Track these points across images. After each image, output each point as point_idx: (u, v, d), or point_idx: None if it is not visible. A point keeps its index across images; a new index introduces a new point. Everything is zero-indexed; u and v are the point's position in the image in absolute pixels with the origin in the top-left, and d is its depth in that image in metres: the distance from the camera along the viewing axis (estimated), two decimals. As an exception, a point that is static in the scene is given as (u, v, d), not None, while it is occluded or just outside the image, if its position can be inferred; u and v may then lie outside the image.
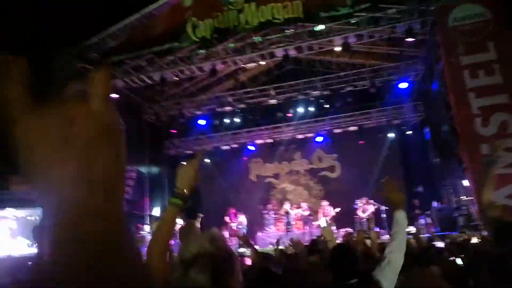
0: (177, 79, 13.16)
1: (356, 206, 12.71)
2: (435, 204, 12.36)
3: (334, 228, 12.36)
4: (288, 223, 13.14)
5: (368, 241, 5.07)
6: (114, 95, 12.46)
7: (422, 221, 12.25)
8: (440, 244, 6.43)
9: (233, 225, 13.45)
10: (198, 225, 13.54)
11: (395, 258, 2.18)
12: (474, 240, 6.89)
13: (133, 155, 14.01)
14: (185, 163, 1.69)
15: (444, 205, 12.30)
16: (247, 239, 4.68)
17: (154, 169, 15.28)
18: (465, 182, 10.49)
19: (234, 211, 13.72)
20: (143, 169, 14.46)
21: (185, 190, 1.64)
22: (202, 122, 15.18)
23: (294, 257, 4.50)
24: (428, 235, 10.76)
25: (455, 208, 11.56)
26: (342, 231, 12.92)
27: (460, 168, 10.58)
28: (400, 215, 2.29)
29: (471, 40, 9.24)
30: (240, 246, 12.40)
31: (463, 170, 10.20)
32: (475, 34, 9.25)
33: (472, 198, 9.76)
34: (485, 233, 7.86)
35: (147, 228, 12.94)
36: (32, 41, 10.64)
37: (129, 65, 12.44)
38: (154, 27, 11.89)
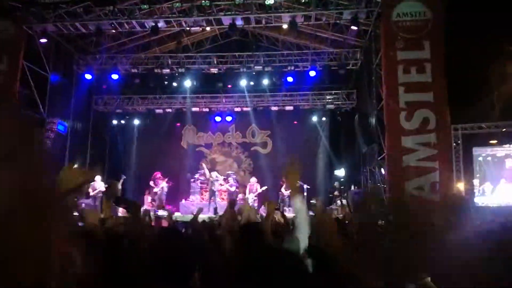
0: (115, 32, 12.40)
1: (281, 183, 13.10)
2: (353, 188, 13.14)
3: (255, 205, 12.74)
4: (212, 192, 13.16)
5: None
6: (42, 40, 11.65)
7: (338, 202, 13.00)
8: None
9: (155, 190, 13.25)
10: (119, 186, 13.19)
11: (300, 237, 2.45)
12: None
13: (57, 106, 13.12)
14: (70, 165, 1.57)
15: (360, 189, 13.10)
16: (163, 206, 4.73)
17: (79, 124, 14.44)
18: (383, 170, 11.23)
19: (159, 175, 13.48)
20: (67, 122, 13.60)
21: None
22: (137, 81, 14.47)
23: (211, 226, 4.54)
24: (342, 215, 11.49)
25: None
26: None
27: (380, 156, 11.28)
28: (295, 199, 2.59)
29: (409, 37, 9.74)
30: (159, 208, 12.35)
31: (382, 159, 10.89)
32: (414, 31, 9.76)
33: (385, 185, 10.50)
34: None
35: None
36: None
37: (63, 10, 11.47)
38: (96, -28, 11.02)
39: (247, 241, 2.48)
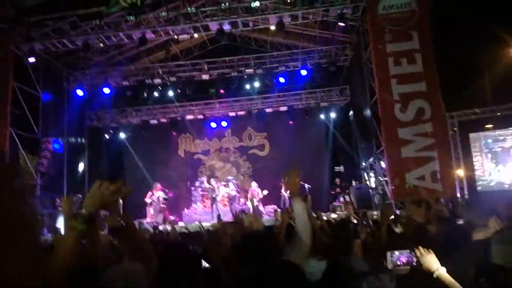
0: (103, 46, 12.34)
1: (281, 184, 13.05)
2: (354, 183, 13.13)
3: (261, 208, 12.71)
4: (213, 199, 13.11)
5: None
6: (31, 59, 11.55)
7: (341, 199, 12.99)
8: (354, 220, 6.86)
9: (148, 200, 13.10)
10: (120, 200, 13.05)
11: (301, 239, 2.46)
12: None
13: (51, 125, 13.04)
14: (99, 182, 1.55)
15: (362, 184, 13.10)
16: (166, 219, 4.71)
17: (74, 141, 14.35)
18: (382, 164, 11.23)
19: (159, 186, 13.40)
20: (62, 140, 13.51)
21: (90, 210, 1.52)
22: (128, 93, 14.39)
23: (216, 235, 4.51)
24: (346, 212, 11.48)
25: (372, 187, 12.38)
26: (268, 207, 13.34)
27: (378, 150, 11.27)
28: (295, 205, 2.58)
29: (397, 29, 9.77)
30: (164, 223, 12.27)
31: (381, 152, 10.89)
32: (401, 23, 9.79)
33: (387, 178, 10.50)
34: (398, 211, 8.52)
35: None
36: None
37: (49, 27, 11.41)
38: (79, -12, 10.97)
39: (248, 253, 2.44)
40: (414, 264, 2.07)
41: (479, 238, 2.27)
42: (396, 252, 2.11)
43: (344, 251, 2.77)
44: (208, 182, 13.70)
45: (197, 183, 14.57)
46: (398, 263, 2.10)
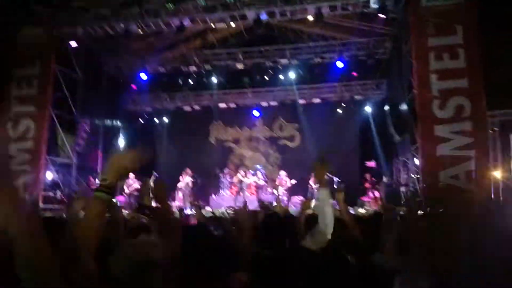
0: (142, 33, 12.59)
1: (310, 176, 12.98)
2: (385, 179, 12.91)
3: (285, 198, 12.69)
4: (241, 189, 13.22)
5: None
6: (73, 43, 11.94)
7: (370, 194, 12.80)
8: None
9: (179, 185, 13.36)
10: (152, 183, 13.38)
11: (322, 230, 2.48)
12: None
13: (89, 107, 13.48)
14: (120, 151, 1.58)
15: (393, 181, 12.87)
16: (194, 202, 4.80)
17: (110, 123, 14.80)
18: (416, 161, 10.97)
19: (189, 172, 13.62)
20: (99, 122, 13.95)
21: (111, 180, 1.54)
22: (164, 79, 14.66)
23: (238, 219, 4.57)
24: (376, 208, 11.32)
25: (403, 184, 12.14)
26: (295, 198, 13.32)
27: (413, 146, 11.02)
28: (322, 193, 2.60)
29: (441, 22, 9.41)
30: (191, 205, 12.50)
31: (416, 149, 10.64)
32: (446, 16, 9.42)
33: (419, 176, 10.26)
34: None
35: (97, 182, 12.62)
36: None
37: (91, 13, 11.72)
38: (123, -25, 11.20)
39: (265, 237, 2.46)
40: None
41: None
42: None
43: (375, 248, 2.75)
44: (234, 175, 13.79)
45: (226, 170, 14.72)
46: None
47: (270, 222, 2.66)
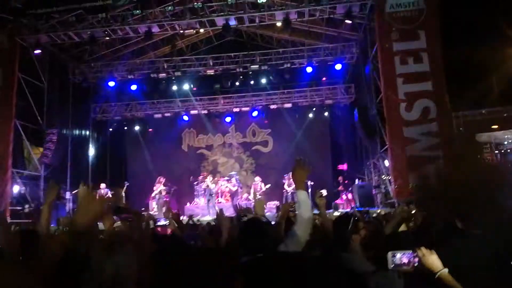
0: (108, 39, 12.35)
1: (284, 181, 13.04)
2: (357, 181, 13.11)
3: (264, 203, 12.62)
4: (210, 196, 13.01)
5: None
6: (36, 51, 11.57)
7: (343, 197, 12.96)
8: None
9: (153, 194, 13.13)
10: (123, 193, 13.13)
11: (300, 232, 2.44)
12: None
13: (55, 116, 13.07)
14: (86, 188, 1.52)
15: (365, 183, 13.08)
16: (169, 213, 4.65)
17: (78, 133, 14.41)
18: (386, 162, 11.20)
19: (162, 179, 13.41)
20: (66, 132, 13.54)
21: (81, 226, 1.47)
22: (133, 87, 14.41)
23: (216, 229, 4.52)
24: (348, 210, 11.47)
25: (375, 186, 12.36)
26: (271, 203, 13.33)
27: (383, 148, 11.24)
28: (300, 195, 2.57)
29: (404, 27, 9.71)
30: (165, 216, 12.25)
31: (385, 150, 10.86)
32: (409, 21, 9.73)
33: (390, 177, 10.46)
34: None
35: (68, 194, 12.25)
36: None
37: (55, 20, 11.43)
38: (86, -20, 10.97)
39: (246, 240, 2.42)
40: (416, 264, 2.05)
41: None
42: (398, 253, 2.09)
43: (343, 247, 2.74)
44: (203, 181, 13.55)
45: (200, 178, 14.56)
46: (399, 262, 2.08)
47: (251, 227, 2.61)
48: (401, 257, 2.05)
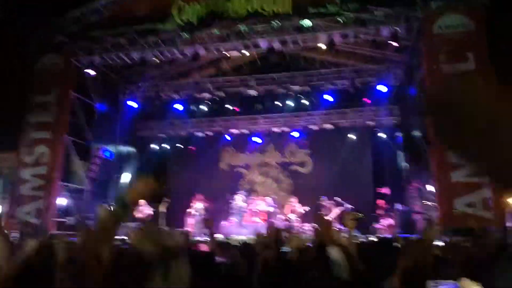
0: (158, 61, 12.90)
1: (321, 204, 12.84)
2: (399, 206, 12.74)
3: (297, 225, 12.50)
4: (238, 215, 13.04)
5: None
6: (90, 71, 12.26)
7: (383, 222, 12.61)
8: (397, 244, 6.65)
9: (189, 210, 13.29)
10: (163, 209, 13.42)
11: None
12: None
13: (103, 133, 13.69)
14: (146, 177, 1.66)
15: (407, 207, 12.69)
16: (210, 225, 4.67)
17: (124, 149, 14.98)
18: (430, 187, 10.87)
19: (201, 197, 13.60)
20: (112, 149, 14.12)
21: (128, 201, 1.61)
22: (179, 106, 14.91)
23: (248, 249, 4.49)
24: (390, 235, 11.14)
25: (417, 211, 11.97)
26: (307, 225, 13.17)
27: (427, 173, 10.94)
28: (332, 251, 2.49)
29: (453, 49, 9.53)
30: (205, 233, 12.40)
31: (429, 175, 10.56)
32: (457, 43, 9.55)
33: (434, 203, 10.13)
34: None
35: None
36: (11, 10, 10.17)
37: (109, 42, 12.09)
38: (139, 5, 11.61)
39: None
40: None
41: None
42: (440, 285, 2.03)
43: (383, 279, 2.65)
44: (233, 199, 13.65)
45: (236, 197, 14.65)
46: None
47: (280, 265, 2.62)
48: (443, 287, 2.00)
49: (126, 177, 14.96)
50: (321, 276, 2.60)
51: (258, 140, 15.65)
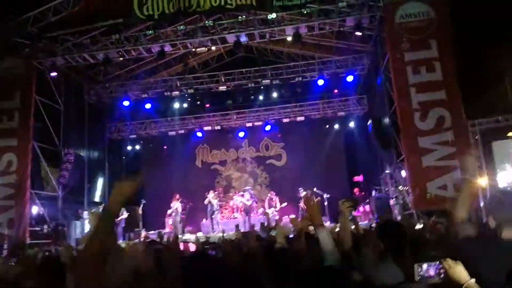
0: (122, 59, 12.59)
1: (299, 195, 12.92)
2: (374, 193, 12.96)
3: (276, 218, 12.53)
4: (212, 213, 12.92)
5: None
6: (52, 73, 11.83)
7: (360, 209, 12.81)
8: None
9: (169, 211, 13.14)
10: (140, 211, 13.20)
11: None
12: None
13: (72, 137, 13.28)
14: (123, 179, 1.60)
15: (382, 194, 12.92)
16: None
17: (95, 153, 14.60)
18: (403, 173, 11.07)
19: (177, 196, 13.44)
20: (82, 153, 13.73)
21: (113, 207, 1.58)
22: (148, 106, 14.64)
23: (236, 243, 4.54)
24: (367, 222, 11.34)
25: (392, 197, 12.20)
26: (287, 218, 13.23)
27: (398, 159, 11.13)
28: (320, 235, 2.57)
29: (415, 37, 9.69)
30: (184, 233, 12.32)
31: (401, 161, 10.75)
32: (419, 31, 9.71)
33: (407, 187, 10.33)
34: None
35: (85, 214, 12.35)
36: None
37: (70, 42, 11.71)
38: (99, 2, 11.22)
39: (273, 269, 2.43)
40: (442, 276, 2.02)
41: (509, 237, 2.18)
42: (425, 265, 2.06)
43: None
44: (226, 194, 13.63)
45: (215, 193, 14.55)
46: (426, 274, 2.06)
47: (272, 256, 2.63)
48: (427, 268, 2.03)
49: (99, 182, 14.64)
50: (314, 263, 2.63)
51: (241, 134, 15.56)
